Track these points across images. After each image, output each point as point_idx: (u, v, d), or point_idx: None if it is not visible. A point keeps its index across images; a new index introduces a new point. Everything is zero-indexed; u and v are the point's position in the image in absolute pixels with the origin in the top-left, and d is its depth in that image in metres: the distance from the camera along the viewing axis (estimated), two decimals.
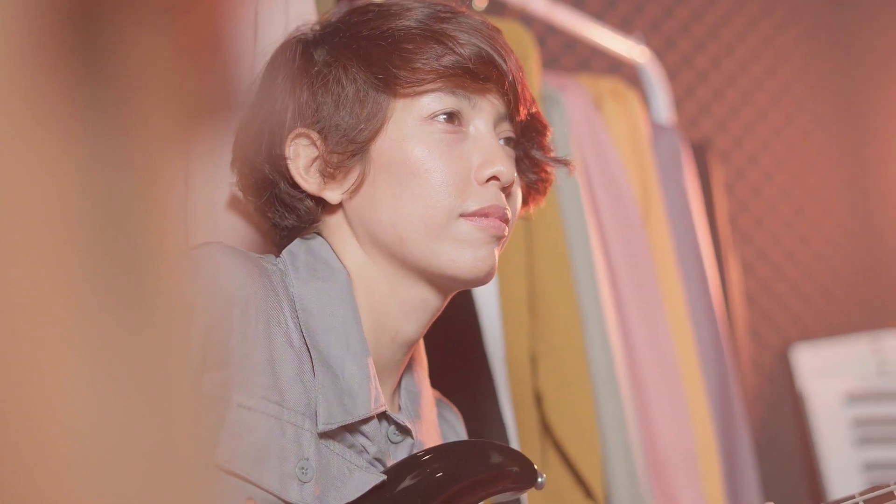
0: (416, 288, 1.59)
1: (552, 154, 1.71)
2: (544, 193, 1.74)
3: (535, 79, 2.61)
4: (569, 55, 3.74)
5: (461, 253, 1.55)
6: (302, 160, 1.58)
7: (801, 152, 4.42)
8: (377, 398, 1.54)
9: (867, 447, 3.98)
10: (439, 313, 1.64)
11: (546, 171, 1.71)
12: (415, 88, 1.56)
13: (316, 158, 1.58)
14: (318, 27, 1.66)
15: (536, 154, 1.69)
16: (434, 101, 1.56)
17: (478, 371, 2.32)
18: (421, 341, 1.70)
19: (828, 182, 4.49)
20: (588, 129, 2.83)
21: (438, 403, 1.77)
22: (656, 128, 3.24)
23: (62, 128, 0.75)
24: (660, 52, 3.97)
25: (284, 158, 1.58)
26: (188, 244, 1.72)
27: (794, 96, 4.42)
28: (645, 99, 3.43)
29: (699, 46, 4.15)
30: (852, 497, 1.83)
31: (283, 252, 1.61)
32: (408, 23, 1.59)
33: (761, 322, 4.17)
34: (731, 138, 4.21)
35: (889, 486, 1.86)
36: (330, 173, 1.57)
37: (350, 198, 1.58)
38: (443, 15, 1.59)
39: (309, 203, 1.60)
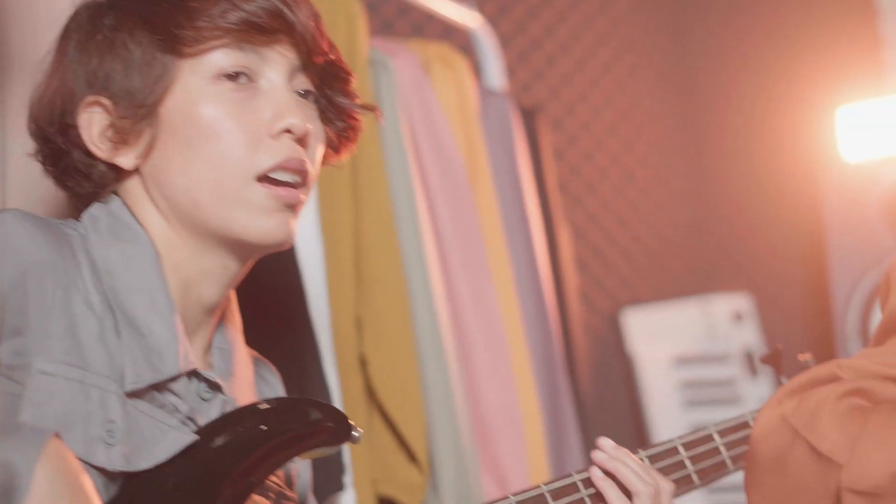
0: (215, 255, 1.58)
1: (358, 101, 1.71)
2: (355, 140, 1.74)
3: (361, 42, 2.60)
4: (402, 21, 3.73)
5: (254, 220, 1.55)
6: (95, 128, 1.57)
7: (632, 119, 4.47)
8: (186, 356, 1.53)
9: (695, 409, 4.04)
10: (241, 277, 1.64)
11: (354, 118, 1.71)
12: (199, 47, 1.55)
13: (110, 125, 1.56)
14: None
15: (341, 101, 1.69)
16: (220, 59, 1.55)
17: (302, 335, 2.32)
18: (234, 299, 1.70)
19: (658, 148, 4.55)
20: (417, 95, 2.83)
21: (256, 362, 1.77)
22: (485, 93, 3.25)
23: None
24: (493, 19, 3.97)
25: (77, 127, 1.57)
26: (5, 207, 1.70)
27: (626, 64, 4.47)
28: (478, 65, 3.44)
29: (532, 13, 4.17)
30: (671, 440, 1.88)
31: (84, 216, 1.59)
32: None
33: (592, 286, 4.21)
34: (563, 104, 4.24)
35: (708, 428, 1.92)
36: (121, 139, 1.55)
37: (144, 162, 1.57)
38: None
39: (102, 168, 1.58)
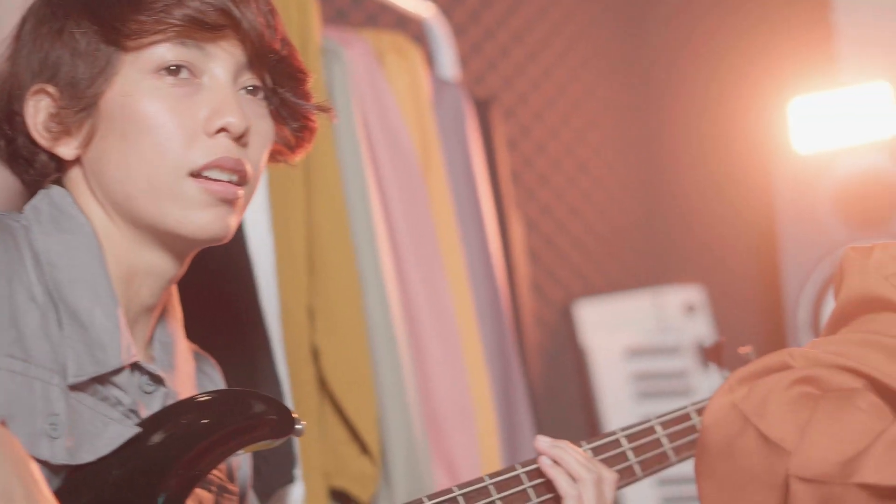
0: (153, 249, 1.58)
1: (312, 101, 1.69)
2: (310, 140, 1.72)
3: (314, 32, 2.58)
4: (356, 10, 3.72)
5: (188, 214, 1.53)
6: (40, 116, 1.56)
7: (585, 110, 4.47)
8: (129, 349, 1.53)
9: (647, 401, 4.05)
10: (181, 275, 1.63)
11: (309, 119, 1.69)
12: (141, 41, 1.53)
13: (53, 115, 1.56)
14: None
15: (295, 101, 1.66)
16: (163, 54, 1.54)
17: (252, 327, 2.31)
18: (175, 292, 1.69)
19: (611, 139, 4.55)
20: (370, 85, 2.82)
21: (197, 357, 1.76)
22: (439, 84, 3.24)
23: None
24: (446, 9, 3.97)
25: (23, 115, 1.56)
26: None
27: (579, 54, 4.47)
28: (431, 55, 3.43)
29: (485, 4, 4.16)
30: (614, 432, 1.89)
31: (27, 207, 1.59)
32: None
33: (544, 278, 4.21)
34: (516, 95, 4.23)
35: (650, 420, 1.93)
36: (63, 129, 1.55)
37: (84, 153, 1.56)
38: None
39: (44, 157, 1.58)
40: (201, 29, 1.54)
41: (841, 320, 1.56)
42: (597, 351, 4.10)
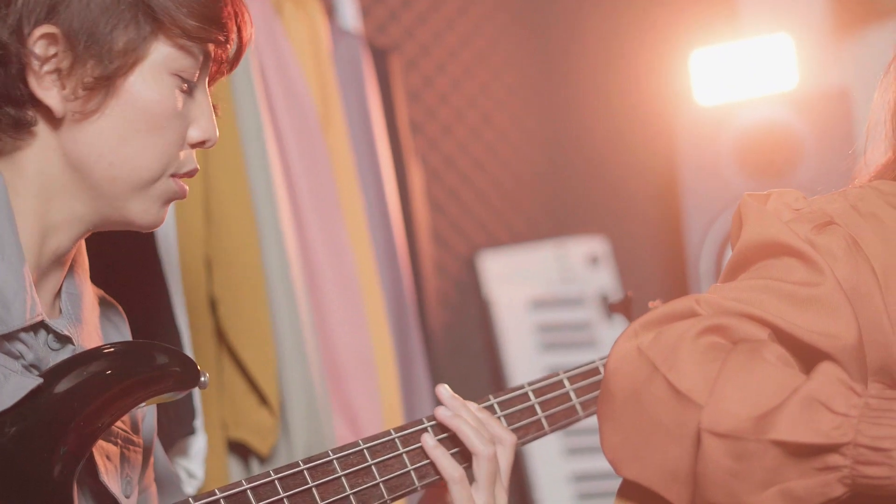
0: (88, 210, 1.56)
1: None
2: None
3: None
4: None
5: (154, 207, 1.57)
6: (48, 65, 1.48)
7: (489, 61, 4.46)
8: (34, 307, 1.50)
9: (550, 352, 4.07)
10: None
11: None
12: (180, 40, 1.52)
13: (56, 66, 1.48)
14: None
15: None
16: (186, 56, 1.53)
17: (151, 277, 2.29)
18: (82, 242, 1.66)
19: (514, 91, 4.54)
20: (267, 35, 2.79)
21: (103, 303, 1.74)
22: (337, 33, 3.21)
23: None
24: None
25: (26, 53, 1.47)
26: None
27: (481, 5, 4.45)
28: (332, 5, 3.40)
29: None
30: (521, 386, 1.88)
31: None
32: None
33: (448, 229, 4.21)
34: (419, 45, 4.21)
35: (558, 374, 1.92)
36: (73, 90, 1.48)
37: (77, 119, 1.50)
38: None
39: (29, 113, 1.50)
40: (219, 41, 1.56)
41: (740, 266, 1.56)
42: (501, 302, 4.11)
